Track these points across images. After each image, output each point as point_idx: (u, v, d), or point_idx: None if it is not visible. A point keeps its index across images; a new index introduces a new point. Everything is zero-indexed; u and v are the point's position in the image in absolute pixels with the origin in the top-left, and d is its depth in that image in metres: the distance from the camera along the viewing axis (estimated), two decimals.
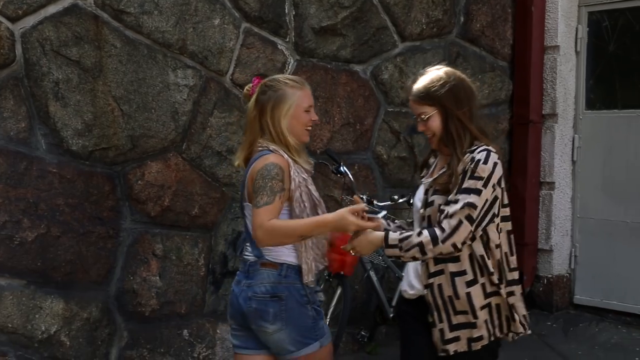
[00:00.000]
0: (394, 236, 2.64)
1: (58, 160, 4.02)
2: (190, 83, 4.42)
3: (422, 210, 2.72)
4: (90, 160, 4.12)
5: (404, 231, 2.70)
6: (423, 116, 2.72)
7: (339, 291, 4.58)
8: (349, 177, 4.72)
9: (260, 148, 2.81)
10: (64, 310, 4.04)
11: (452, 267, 2.63)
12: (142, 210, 4.30)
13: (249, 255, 2.85)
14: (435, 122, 2.70)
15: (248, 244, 2.87)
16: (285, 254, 2.79)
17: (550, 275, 6.04)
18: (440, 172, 2.71)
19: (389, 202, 4.85)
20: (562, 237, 6.08)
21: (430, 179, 2.74)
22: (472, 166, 2.58)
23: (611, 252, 5.84)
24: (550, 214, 6.01)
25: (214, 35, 4.49)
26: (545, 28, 5.99)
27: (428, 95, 2.70)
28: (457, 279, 2.63)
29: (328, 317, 4.55)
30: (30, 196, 3.92)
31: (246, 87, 2.97)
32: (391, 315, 4.92)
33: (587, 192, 6.02)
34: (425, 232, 2.57)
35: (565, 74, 5.99)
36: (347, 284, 4.57)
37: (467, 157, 2.60)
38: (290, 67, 4.85)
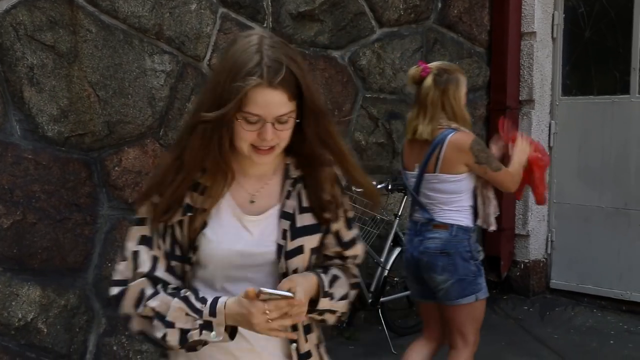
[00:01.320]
0: None
1: (33, 146, 3.97)
2: (167, 69, 4.38)
3: None
4: (66, 147, 4.08)
5: None
6: None
7: None
8: None
9: (441, 126, 3.30)
10: (41, 297, 4.01)
11: None
12: (119, 196, 4.27)
13: (419, 217, 3.40)
14: None
15: (417, 208, 3.41)
16: (455, 217, 3.34)
17: (527, 260, 6.10)
18: None
19: None
20: (539, 223, 6.14)
21: None
22: None
23: (587, 237, 5.90)
24: (527, 200, 6.05)
25: (190, 21, 4.46)
26: (522, 14, 6.01)
27: None
28: None
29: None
30: (6, 182, 3.88)
31: (414, 70, 3.39)
32: (369, 300, 4.94)
33: (563, 177, 6.08)
34: None
35: (542, 60, 6.03)
36: None
37: None
38: None
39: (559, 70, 6.08)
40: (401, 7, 5.46)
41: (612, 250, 5.74)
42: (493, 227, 3.41)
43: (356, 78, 5.31)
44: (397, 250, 5.09)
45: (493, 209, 3.40)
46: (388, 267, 5.03)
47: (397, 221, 5.06)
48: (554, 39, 6.07)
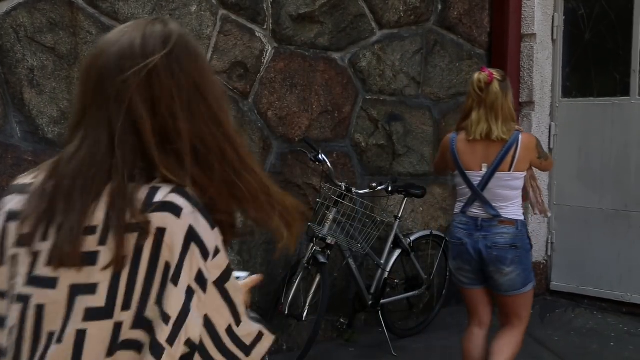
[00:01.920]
0: None
1: (34, 148, 3.97)
2: None
3: None
4: None
5: None
6: None
7: (317, 279, 4.59)
8: (328, 165, 4.72)
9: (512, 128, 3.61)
10: None
11: None
12: None
13: (479, 213, 3.62)
14: None
15: (479, 204, 3.62)
16: (518, 213, 3.63)
17: None
18: None
19: (368, 190, 4.86)
20: (539, 225, 6.13)
21: None
22: None
23: (587, 239, 5.90)
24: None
25: (191, 22, 4.46)
26: (522, 16, 6.02)
27: None
28: None
29: (307, 304, 4.55)
30: (6, 184, 3.88)
31: (482, 76, 3.57)
32: (369, 302, 4.94)
33: (563, 179, 6.08)
34: None
35: (542, 62, 6.03)
36: (325, 271, 4.58)
37: None
38: (267, 54, 4.83)
39: (559, 72, 6.08)
40: (401, 9, 5.46)
41: (612, 252, 5.74)
42: (549, 213, 3.87)
43: (356, 80, 5.31)
44: (397, 252, 5.09)
45: (539, 192, 3.91)
46: (388, 269, 5.02)
47: (397, 223, 5.06)
48: (554, 41, 6.07)
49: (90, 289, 1.16)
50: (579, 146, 5.95)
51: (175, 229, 1.17)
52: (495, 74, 3.59)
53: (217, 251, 1.22)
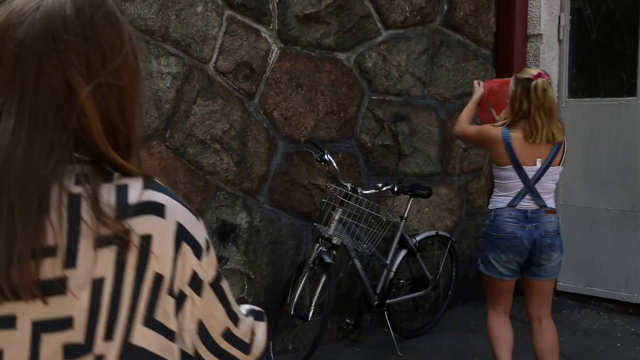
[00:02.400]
0: None
1: None
2: (174, 71, 4.39)
3: None
4: None
5: None
6: None
7: (323, 279, 4.59)
8: (333, 166, 4.72)
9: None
10: None
11: None
12: None
13: (529, 205, 3.80)
14: None
15: (529, 197, 3.80)
16: (554, 203, 3.90)
17: None
18: None
19: (374, 190, 4.86)
20: None
21: None
22: None
23: (593, 240, 5.88)
24: None
25: (196, 23, 4.46)
26: (528, 16, 6.01)
27: None
28: None
29: (313, 304, 4.56)
30: None
31: (543, 81, 3.73)
32: (375, 303, 4.93)
33: (569, 179, 6.05)
34: None
35: (548, 62, 6.02)
36: (331, 271, 4.58)
37: None
38: (273, 54, 4.83)
39: (565, 72, 6.07)
40: (407, 9, 5.46)
41: (619, 252, 5.72)
42: None
43: (362, 80, 5.31)
44: (402, 253, 5.08)
45: None
46: (394, 269, 5.02)
47: (402, 223, 5.05)
48: (560, 41, 6.06)
49: (62, 323, 0.94)
50: (585, 146, 5.93)
51: (162, 232, 1.00)
52: (548, 78, 3.81)
53: (208, 245, 1.08)
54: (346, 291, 5.20)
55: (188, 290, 1.04)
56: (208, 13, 4.51)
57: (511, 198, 3.82)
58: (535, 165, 3.82)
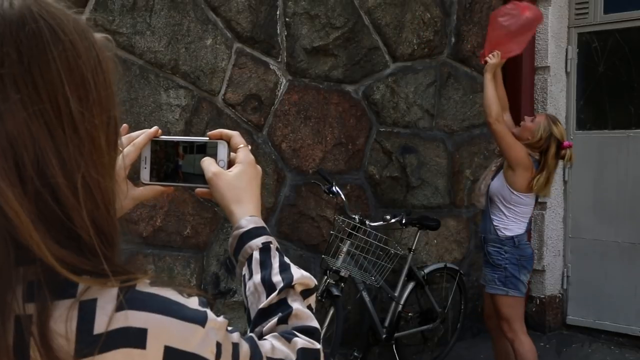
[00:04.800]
0: None
1: None
2: (183, 103, 4.41)
3: None
4: None
5: None
6: None
7: (331, 311, 4.55)
8: (342, 197, 4.71)
9: None
10: None
11: None
12: (134, 230, 4.27)
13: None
14: None
15: None
16: None
17: (543, 296, 6.03)
18: None
19: (382, 222, 4.84)
20: (554, 258, 6.08)
21: None
22: None
23: (603, 273, 5.84)
24: (542, 234, 6.01)
25: (206, 56, 4.50)
26: (536, 49, 6.03)
27: None
28: None
29: (320, 337, 4.51)
30: None
31: (571, 151, 4.08)
32: (384, 336, 4.89)
33: (578, 212, 6.04)
34: None
35: (556, 94, 6.03)
36: (339, 304, 4.55)
37: None
38: (282, 87, 4.85)
39: (573, 105, 6.07)
40: (415, 41, 5.49)
41: (629, 285, 5.68)
42: None
43: (370, 112, 5.32)
44: (411, 285, 5.05)
45: None
46: (402, 302, 4.98)
47: (411, 255, 5.03)
48: (567, 73, 6.08)
49: None
50: (594, 178, 5.92)
51: None
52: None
53: (219, 353, 0.83)
54: (354, 324, 5.16)
55: None
56: (217, 46, 4.54)
57: (526, 224, 4.11)
58: None
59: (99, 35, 0.82)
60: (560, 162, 4.28)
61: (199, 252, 4.54)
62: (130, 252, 4.27)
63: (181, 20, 4.37)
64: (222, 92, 4.60)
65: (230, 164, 1.13)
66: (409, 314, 5.16)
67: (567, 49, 6.05)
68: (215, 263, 4.60)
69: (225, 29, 4.58)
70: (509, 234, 4.07)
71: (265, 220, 4.42)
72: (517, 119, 6.00)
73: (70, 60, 0.74)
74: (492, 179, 4.26)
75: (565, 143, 4.07)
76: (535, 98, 6.04)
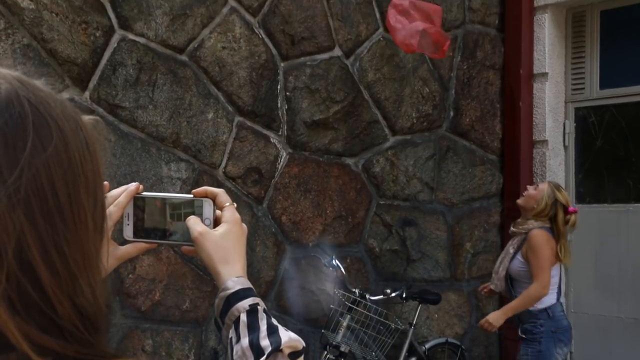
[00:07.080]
0: None
1: None
2: (184, 176, 4.42)
3: None
4: None
5: None
6: None
7: None
8: (341, 271, 4.68)
9: None
10: None
11: None
12: (132, 304, 4.22)
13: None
14: None
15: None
16: None
17: None
18: None
19: (382, 296, 4.79)
20: None
21: None
22: None
23: (606, 349, 5.75)
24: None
25: (207, 129, 4.53)
26: (534, 123, 6.09)
27: None
28: None
29: None
30: None
31: (576, 217, 4.19)
32: None
33: (580, 287, 5.99)
34: None
35: (555, 167, 6.06)
36: None
37: None
38: (282, 160, 4.88)
39: (572, 178, 6.10)
40: (414, 115, 5.55)
41: None
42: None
43: (370, 185, 5.34)
44: None
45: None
46: None
47: (411, 330, 4.95)
48: (565, 147, 6.12)
49: None
50: (595, 252, 5.89)
51: None
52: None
53: None
54: None
55: None
56: (219, 120, 4.58)
57: (556, 294, 4.09)
58: None
59: (87, 118, 0.81)
60: None
61: (198, 327, 4.48)
62: (128, 327, 4.21)
63: (183, 95, 4.42)
64: (223, 165, 4.61)
65: (216, 222, 1.13)
66: None
67: (564, 123, 6.11)
68: (213, 338, 4.53)
69: (226, 103, 4.63)
70: (540, 306, 4.07)
71: (264, 293, 4.39)
72: (516, 192, 6.02)
73: (58, 144, 0.72)
74: (510, 261, 4.25)
75: (571, 208, 4.12)
76: (534, 171, 6.06)
